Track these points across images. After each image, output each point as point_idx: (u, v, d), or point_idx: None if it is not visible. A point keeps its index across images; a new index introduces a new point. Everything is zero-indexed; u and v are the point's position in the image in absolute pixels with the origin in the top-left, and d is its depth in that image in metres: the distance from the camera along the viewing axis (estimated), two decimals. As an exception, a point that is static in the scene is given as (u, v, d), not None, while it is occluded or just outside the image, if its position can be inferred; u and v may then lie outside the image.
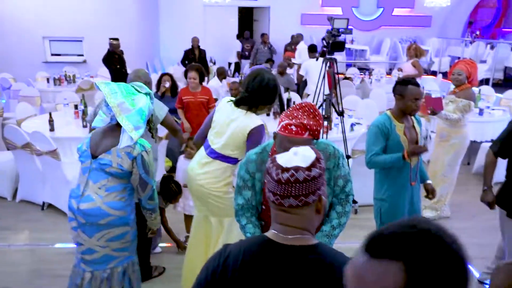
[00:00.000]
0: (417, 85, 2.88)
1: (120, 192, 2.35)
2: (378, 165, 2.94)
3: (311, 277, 1.17)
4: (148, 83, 3.07)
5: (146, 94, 2.44)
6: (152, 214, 2.51)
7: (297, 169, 1.19)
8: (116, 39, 7.51)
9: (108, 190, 2.32)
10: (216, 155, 2.75)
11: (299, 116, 1.80)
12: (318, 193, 1.21)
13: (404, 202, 3.00)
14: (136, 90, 2.41)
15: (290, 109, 1.86)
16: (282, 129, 1.80)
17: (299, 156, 1.22)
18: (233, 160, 2.77)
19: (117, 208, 2.32)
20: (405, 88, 2.84)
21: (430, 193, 3.02)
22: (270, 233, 1.25)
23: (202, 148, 2.90)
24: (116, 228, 2.34)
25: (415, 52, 6.70)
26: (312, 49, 8.13)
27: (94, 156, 2.36)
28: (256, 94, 2.67)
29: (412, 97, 2.82)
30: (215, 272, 1.22)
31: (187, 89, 5.10)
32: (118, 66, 7.45)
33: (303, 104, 1.87)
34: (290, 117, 1.80)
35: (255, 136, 2.65)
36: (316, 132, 1.81)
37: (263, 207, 2.06)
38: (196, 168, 2.81)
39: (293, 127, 1.78)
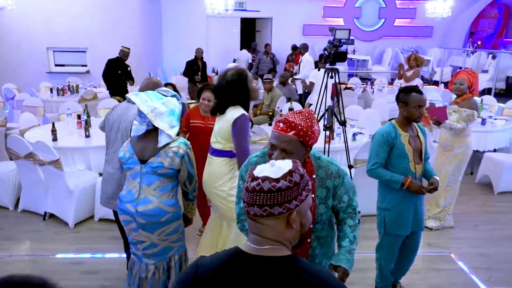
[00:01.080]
0: (420, 92, 2.93)
1: (170, 191, 2.55)
2: (377, 178, 3.00)
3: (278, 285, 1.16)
4: None
5: (172, 96, 2.62)
6: (193, 204, 2.77)
7: (264, 179, 1.20)
8: (128, 48, 7.55)
9: (162, 190, 2.51)
10: (213, 151, 3.08)
11: (292, 117, 1.82)
12: (287, 206, 1.20)
13: (409, 211, 3.00)
14: (163, 95, 2.59)
15: (288, 114, 1.89)
16: (274, 127, 1.84)
17: (274, 168, 1.23)
18: (228, 153, 2.99)
19: (172, 205, 2.52)
20: (408, 95, 2.89)
21: (431, 184, 2.94)
22: (244, 245, 1.25)
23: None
24: (172, 223, 2.54)
25: (415, 62, 6.72)
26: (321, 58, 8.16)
27: (142, 161, 2.50)
28: (225, 93, 2.93)
29: (416, 104, 2.86)
30: (186, 283, 1.22)
31: (197, 112, 4.14)
32: (119, 72, 7.43)
33: (302, 110, 1.89)
34: (284, 117, 1.84)
35: (238, 125, 2.86)
36: (301, 133, 1.78)
37: None
38: (206, 168, 3.12)
39: (281, 123, 1.81)
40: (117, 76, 7.41)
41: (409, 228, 3.03)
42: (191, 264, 1.28)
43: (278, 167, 1.23)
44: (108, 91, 7.66)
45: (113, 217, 4.38)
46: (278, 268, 1.17)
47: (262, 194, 1.19)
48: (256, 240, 1.23)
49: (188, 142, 2.59)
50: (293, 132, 1.78)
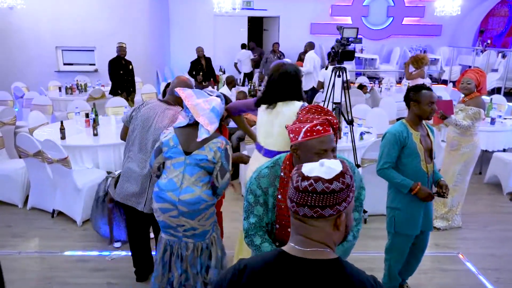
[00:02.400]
0: (430, 89, 2.93)
1: (208, 182, 2.70)
2: (387, 179, 2.98)
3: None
4: (189, 87, 3.09)
5: (217, 96, 2.76)
6: (217, 198, 2.85)
7: (317, 179, 1.17)
8: (123, 43, 7.44)
9: (203, 181, 2.67)
10: (274, 154, 2.80)
11: (315, 117, 1.76)
12: (337, 208, 1.18)
13: (419, 210, 2.98)
14: (209, 94, 2.76)
15: (300, 117, 1.82)
16: (308, 134, 1.73)
17: (324, 167, 1.19)
18: None
19: (210, 195, 2.70)
20: (419, 93, 2.89)
21: (444, 188, 2.92)
22: (287, 246, 1.23)
23: (256, 152, 3.06)
24: (209, 209, 2.72)
25: (413, 62, 6.71)
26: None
27: (186, 153, 2.64)
28: (277, 87, 2.82)
29: (428, 101, 2.87)
30: (231, 284, 1.20)
31: None
32: (121, 72, 7.36)
33: (308, 108, 1.84)
34: (308, 121, 1.75)
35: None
36: (336, 127, 1.78)
37: (277, 226, 1.94)
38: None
39: (318, 127, 1.72)
40: (120, 76, 7.35)
41: (419, 228, 3.01)
42: (233, 265, 1.25)
43: (328, 167, 1.19)
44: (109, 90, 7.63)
45: (120, 215, 4.42)
46: (325, 272, 1.15)
47: (314, 195, 1.16)
48: (301, 241, 1.20)
49: (228, 141, 2.75)
50: (331, 129, 1.77)
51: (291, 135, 1.78)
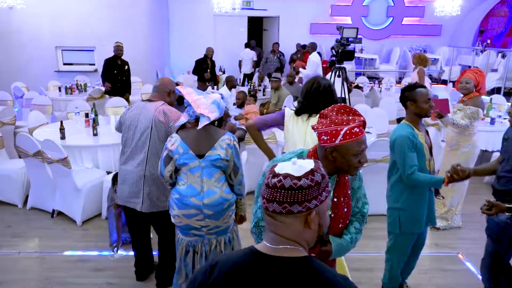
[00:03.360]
0: (424, 86, 2.92)
1: (226, 180, 2.75)
2: (418, 183, 2.83)
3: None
4: (172, 92, 3.16)
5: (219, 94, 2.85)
6: (241, 199, 2.89)
7: (286, 176, 1.20)
8: (120, 42, 7.38)
9: (221, 181, 2.70)
10: None
11: (349, 118, 1.78)
12: (306, 205, 1.19)
13: (423, 208, 2.97)
14: (207, 93, 2.82)
15: (331, 118, 1.80)
16: (347, 137, 1.74)
17: (296, 166, 1.22)
18: None
19: (229, 193, 2.74)
20: (414, 92, 2.86)
21: (455, 172, 2.73)
22: (260, 245, 1.25)
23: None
24: (231, 207, 2.77)
25: (418, 60, 6.69)
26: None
27: (199, 156, 2.64)
28: (315, 100, 2.85)
29: (424, 98, 2.84)
30: (202, 284, 1.22)
31: None
32: (115, 72, 7.27)
33: (337, 108, 1.83)
34: (344, 123, 1.76)
35: None
36: (365, 126, 1.83)
37: None
38: None
39: (356, 129, 1.75)
40: (113, 75, 7.28)
41: (423, 225, 3.01)
42: (207, 262, 1.27)
43: (300, 166, 1.22)
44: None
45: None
46: (294, 270, 1.17)
47: (282, 190, 1.19)
48: (273, 238, 1.22)
49: (234, 136, 2.80)
50: (364, 130, 1.81)
51: (325, 137, 1.77)
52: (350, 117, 1.79)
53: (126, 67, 7.46)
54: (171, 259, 3.37)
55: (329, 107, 1.86)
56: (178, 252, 2.86)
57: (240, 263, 1.21)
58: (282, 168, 1.23)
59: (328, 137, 1.76)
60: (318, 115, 2.76)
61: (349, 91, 7.22)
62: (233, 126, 3.24)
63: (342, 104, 1.86)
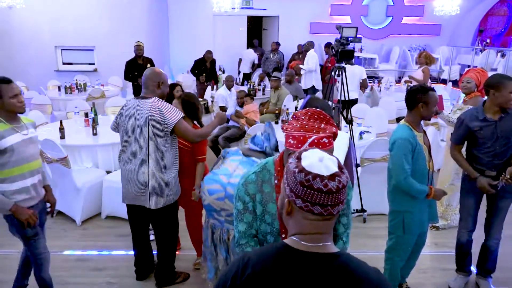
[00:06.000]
0: (433, 89, 2.91)
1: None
2: (407, 188, 2.84)
3: (335, 286, 1.13)
4: (161, 83, 3.10)
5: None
6: None
7: (339, 174, 1.16)
8: (140, 42, 7.29)
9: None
10: None
11: (321, 127, 1.70)
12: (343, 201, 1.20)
13: (426, 208, 3.00)
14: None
15: (302, 122, 1.73)
16: (314, 146, 1.65)
17: (325, 162, 1.18)
18: None
19: None
20: (427, 95, 2.84)
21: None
22: (291, 241, 1.21)
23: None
24: None
25: (425, 59, 6.67)
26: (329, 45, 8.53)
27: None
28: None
29: (435, 101, 2.85)
30: (235, 278, 1.18)
31: None
32: (136, 73, 7.09)
33: (310, 113, 1.76)
34: (314, 131, 1.69)
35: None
36: (335, 138, 1.74)
37: (283, 235, 1.83)
38: None
39: (325, 139, 1.66)
40: (134, 77, 7.18)
41: (426, 224, 3.03)
42: (237, 258, 1.24)
43: (329, 159, 1.19)
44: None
45: (119, 215, 4.43)
46: (327, 265, 1.16)
47: (344, 189, 1.16)
48: (309, 238, 1.20)
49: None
50: (333, 140, 1.72)
51: (292, 141, 1.69)
52: (322, 126, 1.70)
53: (148, 65, 7.21)
54: (170, 259, 3.38)
55: (304, 110, 1.78)
56: (205, 234, 2.95)
57: (273, 258, 1.18)
58: (326, 168, 1.16)
59: (295, 141, 1.68)
60: None
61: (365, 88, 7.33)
62: (223, 116, 3.21)
63: (317, 109, 1.78)
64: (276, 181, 1.84)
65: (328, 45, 9.28)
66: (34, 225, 2.80)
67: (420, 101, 2.84)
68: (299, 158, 1.19)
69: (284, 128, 1.76)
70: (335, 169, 1.16)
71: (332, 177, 1.14)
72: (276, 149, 2.91)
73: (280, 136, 2.83)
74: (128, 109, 3.09)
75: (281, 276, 1.15)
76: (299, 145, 1.67)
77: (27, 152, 2.73)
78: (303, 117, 1.75)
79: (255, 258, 1.20)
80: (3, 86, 2.62)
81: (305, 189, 1.14)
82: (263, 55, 11.52)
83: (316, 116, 1.74)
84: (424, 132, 3.01)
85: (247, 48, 11.71)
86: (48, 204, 3.10)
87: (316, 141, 1.65)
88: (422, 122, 3.04)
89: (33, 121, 3.00)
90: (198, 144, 3.25)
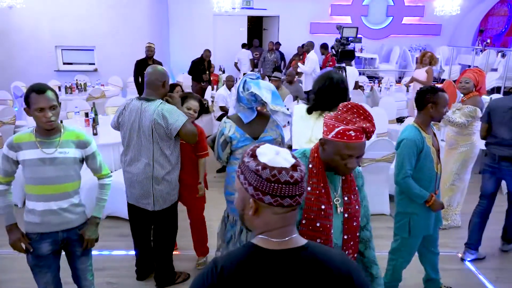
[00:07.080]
0: (443, 90, 2.89)
1: None
2: (406, 188, 2.85)
3: (306, 278, 1.15)
4: (165, 82, 3.05)
5: (257, 78, 2.98)
6: None
7: (298, 163, 1.21)
8: (151, 43, 7.21)
9: None
10: None
11: (352, 120, 1.70)
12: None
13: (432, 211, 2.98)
14: (251, 78, 2.92)
15: (338, 114, 1.74)
16: (339, 136, 1.68)
17: (282, 155, 1.21)
18: None
19: None
20: (436, 95, 2.82)
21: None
22: (259, 240, 1.22)
23: None
24: None
25: (429, 59, 6.67)
26: (325, 47, 8.56)
27: (255, 138, 2.90)
28: (328, 97, 2.83)
29: (445, 103, 2.83)
30: (212, 285, 1.16)
31: None
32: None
33: (349, 106, 1.75)
34: (344, 122, 1.70)
35: None
36: (370, 135, 1.72)
37: (303, 221, 1.82)
38: None
39: (351, 132, 1.66)
40: (143, 77, 7.19)
41: (432, 227, 3.01)
42: (207, 267, 1.21)
43: (284, 157, 1.21)
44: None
45: (120, 215, 4.43)
46: (304, 257, 1.20)
47: (304, 177, 1.21)
48: (280, 232, 1.22)
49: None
50: (364, 136, 1.69)
51: (325, 129, 1.75)
52: (355, 119, 1.70)
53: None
54: (170, 259, 3.38)
55: (345, 103, 1.78)
56: (221, 222, 3.13)
57: (246, 263, 1.17)
58: (285, 160, 1.19)
59: (326, 129, 1.74)
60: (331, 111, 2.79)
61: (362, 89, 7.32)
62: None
63: (359, 104, 1.77)
64: (310, 165, 1.85)
65: (323, 46, 9.23)
66: (32, 253, 2.61)
67: (429, 101, 2.83)
68: (254, 156, 1.20)
69: (327, 116, 1.79)
70: (292, 159, 1.20)
71: (294, 167, 1.18)
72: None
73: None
74: (131, 111, 3.03)
75: (256, 279, 1.15)
76: (328, 133, 1.72)
77: (44, 173, 2.45)
78: (341, 108, 1.76)
79: (228, 265, 1.17)
80: (32, 96, 2.29)
81: (272, 184, 1.16)
82: (262, 55, 11.53)
83: (355, 110, 1.74)
84: (434, 135, 2.97)
85: (242, 48, 11.64)
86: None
87: (342, 131, 1.68)
88: (431, 124, 3.00)
89: (83, 138, 2.64)
90: (199, 140, 3.26)
